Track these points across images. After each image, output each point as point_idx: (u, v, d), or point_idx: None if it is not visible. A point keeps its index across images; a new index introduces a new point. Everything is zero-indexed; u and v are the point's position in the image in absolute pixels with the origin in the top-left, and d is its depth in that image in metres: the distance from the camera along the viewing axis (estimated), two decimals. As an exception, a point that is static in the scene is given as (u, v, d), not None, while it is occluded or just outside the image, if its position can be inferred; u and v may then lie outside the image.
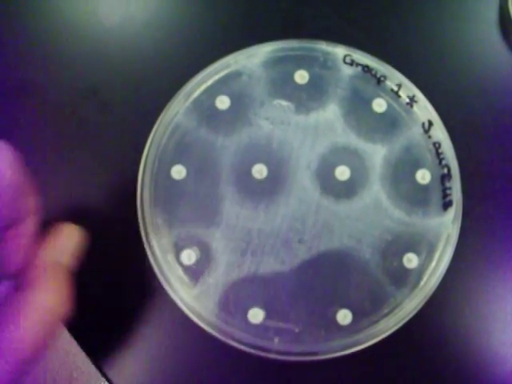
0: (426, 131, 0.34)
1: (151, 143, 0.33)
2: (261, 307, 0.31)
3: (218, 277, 0.32)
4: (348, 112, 0.35)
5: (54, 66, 0.37)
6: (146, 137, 0.34)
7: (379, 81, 0.35)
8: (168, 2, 0.39)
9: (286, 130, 0.34)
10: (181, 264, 0.32)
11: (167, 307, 0.32)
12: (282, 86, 0.35)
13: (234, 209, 0.33)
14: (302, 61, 0.35)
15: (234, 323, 0.31)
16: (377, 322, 0.31)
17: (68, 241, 0.25)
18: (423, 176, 0.34)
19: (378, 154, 0.34)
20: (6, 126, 0.36)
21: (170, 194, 0.33)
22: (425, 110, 0.34)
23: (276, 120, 0.35)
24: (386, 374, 0.33)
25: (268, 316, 0.31)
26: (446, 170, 0.33)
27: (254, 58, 0.35)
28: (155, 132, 0.34)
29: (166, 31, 0.38)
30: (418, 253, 0.32)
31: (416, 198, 0.33)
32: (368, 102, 0.35)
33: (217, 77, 0.35)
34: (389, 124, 0.35)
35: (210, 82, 0.35)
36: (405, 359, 0.33)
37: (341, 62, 0.35)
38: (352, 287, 0.32)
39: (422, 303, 0.32)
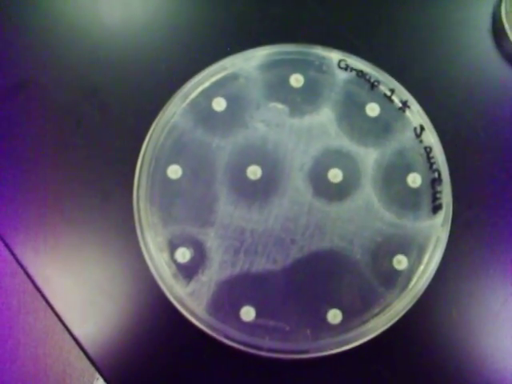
0: (418, 136, 0.35)
1: (148, 143, 0.34)
2: (253, 305, 0.32)
3: (212, 275, 0.33)
4: (341, 116, 0.35)
5: (54, 66, 0.38)
6: (144, 137, 0.34)
7: (373, 86, 0.36)
8: (167, 5, 0.40)
9: (281, 132, 0.35)
10: (175, 262, 0.33)
11: (161, 304, 0.32)
12: (278, 89, 0.36)
13: (228, 208, 0.34)
14: (297, 64, 0.36)
15: (227, 321, 0.32)
16: (366, 321, 0.32)
17: None
18: (414, 180, 0.34)
19: (370, 157, 0.35)
20: (7, 124, 0.37)
21: (165, 193, 0.34)
22: (417, 114, 0.35)
23: (271, 122, 0.35)
24: (376, 373, 0.33)
25: (260, 314, 0.32)
26: (436, 174, 0.34)
27: (250, 61, 0.36)
28: (152, 132, 0.34)
29: (164, 33, 0.39)
30: (407, 255, 0.33)
31: (406, 201, 0.34)
32: (361, 106, 0.35)
33: (214, 79, 0.36)
34: (381, 128, 0.35)
35: (206, 84, 0.35)
36: (393, 358, 0.33)
37: (336, 66, 0.36)
38: (343, 287, 0.33)
39: (411, 304, 0.32)
